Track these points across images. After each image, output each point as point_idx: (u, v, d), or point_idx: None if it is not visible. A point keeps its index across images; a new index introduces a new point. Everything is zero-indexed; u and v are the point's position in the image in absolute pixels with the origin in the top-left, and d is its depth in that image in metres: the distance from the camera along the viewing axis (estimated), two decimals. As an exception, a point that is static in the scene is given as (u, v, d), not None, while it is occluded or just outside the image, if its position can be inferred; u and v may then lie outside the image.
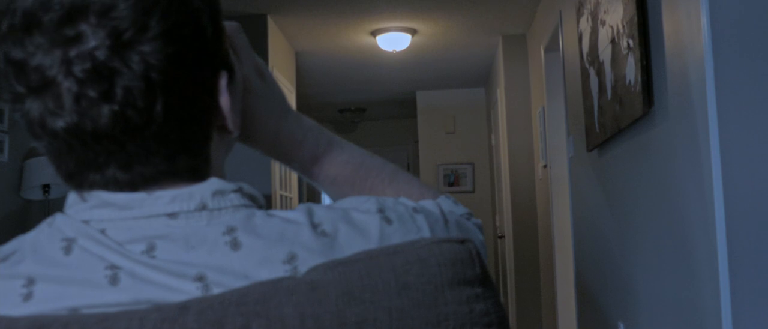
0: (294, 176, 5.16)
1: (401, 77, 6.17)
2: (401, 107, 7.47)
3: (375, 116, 8.06)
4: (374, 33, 4.76)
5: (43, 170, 3.89)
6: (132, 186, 0.55)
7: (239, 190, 0.57)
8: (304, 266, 0.52)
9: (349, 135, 8.43)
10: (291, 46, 5.08)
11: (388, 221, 0.57)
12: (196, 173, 0.57)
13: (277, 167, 4.50)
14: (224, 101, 0.58)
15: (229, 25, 0.65)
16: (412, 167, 8.23)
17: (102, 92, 0.51)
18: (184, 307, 0.46)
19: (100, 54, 0.51)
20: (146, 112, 0.52)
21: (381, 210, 0.57)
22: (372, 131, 8.39)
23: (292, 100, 5.14)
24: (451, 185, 6.66)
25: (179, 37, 0.53)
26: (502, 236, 5.65)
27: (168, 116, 0.53)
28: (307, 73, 5.76)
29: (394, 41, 4.78)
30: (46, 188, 3.88)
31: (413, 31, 4.76)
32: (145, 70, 0.52)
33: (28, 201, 3.98)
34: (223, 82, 0.58)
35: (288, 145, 0.73)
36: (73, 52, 0.51)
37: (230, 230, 0.53)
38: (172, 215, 0.54)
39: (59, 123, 0.52)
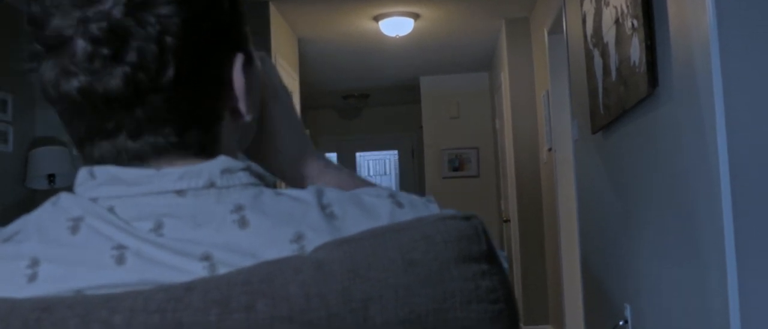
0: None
1: (404, 63, 6.15)
2: (405, 93, 7.46)
3: (379, 102, 8.04)
4: (377, 18, 4.74)
5: (48, 159, 3.90)
6: (141, 158, 0.55)
7: (247, 168, 0.57)
8: (311, 245, 0.52)
9: (353, 121, 8.43)
10: (293, 33, 5.07)
11: (400, 205, 0.57)
12: (205, 150, 0.57)
13: (281, 154, 4.49)
14: (238, 80, 0.58)
15: (258, 55, 0.67)
16: (416, 152, 8.23)
17: (115, 52, 0.52)
18: (189, 287, 0.46)
19: (117, 12, 0.52)
20: (157, 76, 0.53)
21: (392, 196, 0.58)
22: (376, 117, 8.38)
23: (295, 87, 5.13)
24: (455, 170, 6.66)
25: (195, 5, 0.55)
26: (507, 221, 5.66)
27: (179, 83, 0.54)
28: (310, 60, 5.75)
29: (396, 26, 4.76)
30: (51, 177, 3.89)
31: (416, 16, 4.74)
32: (159, 33, 0.53)
33: (33, 191, 3.99)
34: (238, 62, 0.58)
35: (312, 170, 0.72)
36: (90, 12, 0.52)
37: (238, 208, 0.53)
38: (180, 193, 0.54)
39: (73, 83, 0.53)
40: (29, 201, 3.93)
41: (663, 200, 2.00)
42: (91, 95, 0.53)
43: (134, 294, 0.47)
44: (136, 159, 0.55)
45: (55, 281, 0.51)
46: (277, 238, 0.52)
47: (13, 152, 3.91)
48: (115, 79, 0.53)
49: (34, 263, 0.52)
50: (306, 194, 0.56)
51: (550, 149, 4.25)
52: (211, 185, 0.55)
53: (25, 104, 4.08)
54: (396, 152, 8.58)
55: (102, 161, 0.56)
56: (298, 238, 0.52)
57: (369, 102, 7.98)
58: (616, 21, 2.25)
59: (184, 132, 0.56)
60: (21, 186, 3.97)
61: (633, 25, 2.06)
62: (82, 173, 0.57)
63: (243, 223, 0.52)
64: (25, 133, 4.04)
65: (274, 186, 0.59)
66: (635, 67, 2.06)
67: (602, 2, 2.45)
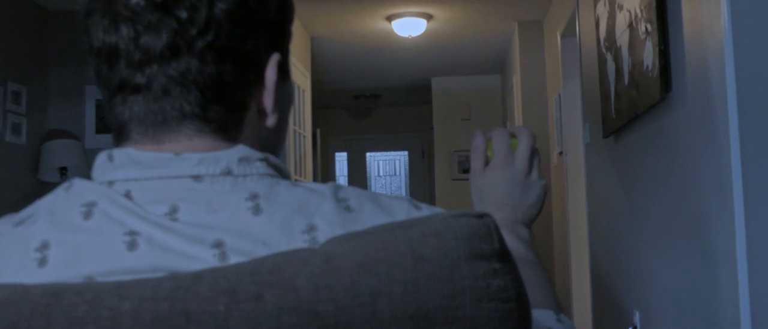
0: (309, 162, 5.17)
1: (416, 63, 6.15)
2: (416, 94, 7.45)
3: (390, 103, 8.04)
4: (390, 18, 4.74)
5: (60, 152, 3.93)
6: (165, 122, 0.56)
7: (265, 159, 0.57)
8: (323, 237, 0.52)
9: (364, 122, 8.42)
10: (306, 32, 5.07)
11: (417, 207, 0.57)
12: (227, 132, 0.58)
13: (292, 153, 4.50)
14: (270, 76, 0.59)
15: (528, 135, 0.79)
16: (426, 153, 8.22)
17: (167, 4, 0.54)
18: (198, 276, 0.46)
19: None
20: (198, 36, 0.55)
21: (410, 200, 0.58)
22: (387, 117, 8.38)
23: (307, 86, 5.14)
24: (465, 171, 6.64)
25: None
26: (516, 224, 5.63)
27: (214, 49, 0.55)
28: (322, 59, 5.75)
29: (409, 26, 4.75)
30: (63, 170, 3.91)
31: (429, 17, 4.74)
32: None
33: (45, 183, 4.01)
34: (273, 59, 0.60)
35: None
36: None
37: (253, 196, 0.54)
38: (196, 178, 0.55)
39: (121, 32, 0.55)
40: (41, 193, 3.94)
41: (674, 206, 1.99)
42: (134, 45, 0.55)
43: (143, 281, 0.47)
44: (160, 124, 0.56)
45: (65, 266, 0.51)
46: (289, 227, 0.52)
47: (26, 145, 3.94)
48: (160, 32, 0.54)
49: (45, 247, 0.52)
50: (323, 187, 0.56)
51: (560, 153, 4.23)
52: (228, 172, 0.55)
53: (38, 96, 4.10)
54: (406, 152, 8.57)
55: (129, 124, 0.57)
56: (311, 229, 0.52)
57: (380, 102, 7.97)
58: (630, 25, 2.24)
59: (208, 104, 0.57)
60: (33, 178, 4.00)
61: (646, 29, 2.05)
62: (101, 156, 0.58)
63: (257, 210, 0.53)
64: (38, 125, 4.07)
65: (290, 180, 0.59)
66: (648, 72, 2.05)
67: (616, 6, 2.44)
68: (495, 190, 0.80)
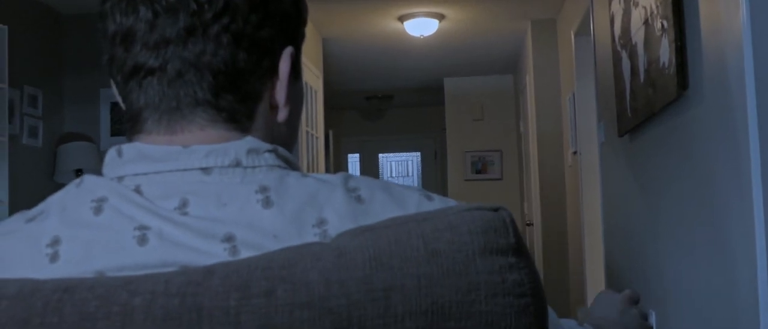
0: (322, 163, 5.17)
1: (429, 64, 6.14)
2: (429, 94, 7.44)
3: (402, 103, 8.03)
4: (402, 18, 4.73)
5: (75, 155, 3.96)
6: (177, 110, 0.56)
7: (274, 151, 0.57)
8: (334, 230, 0.52)
9: (376, 123, 8.42)
10: (318, 33, 5.08)
11: (429, 198, 0.56)
12: (238, 122, 0.58)
13: (304, 155, 4.50)
14: (283, 68, 0.59)
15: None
16: (439, 154, 8.20)
17: None
18: (209, 271, 0.46)
19: None
20: (213, 20, 0.55)
21: (421, 190, 0.58)
22: (399, 118, 8.37)
23: (319, 87, 5.14)
24: (478, 172, 6.62)
25: None
26: (530, 224, 5.61)
27: (228, 33, 0.56)
28: (334, 59, 5.75)
29: (421, 27, 4.74)
30: (78, 172, 3.94)
31: (441, 17, 4.72)
32: None
33: (61, 185, 4.04)
34: (287, 52, 0.60)
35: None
36: None
37: (263, 189, 0.54)
38: (205, 170, 0.55)
39: (139, 12, 0.55)
40: (56, 196, 3.99)
41: (691, 205, 1.97)
42: (151, 26, 0.55)
43: (155, 276, 0.46)
44: (174, 111, 0.56)
45: (76, 262, 0.51)
46: (300, 220, 0.52)
47: (42, 147, 3.98)
48: (178, 13, 0.55)
49: (55, 242, 0.52)
50: (333, 177, 0.56)
51: (575, 153, 4.21)
52: (237, 164, 0.55)
53: (54, 99, 4.14)
54: (419, 153, 8.56)
55: (144, 111, 0.57)
56: (321, 222, 0.52)
57: (392, 103, 7.97)
58: (646, 21, 2.22)
59: (220, 92, 0.57)
60: (49, 180, 4.03)
61: (663, 25, 2.03)
62: (111, 152, 0.58)
63: (267, 203, 0.53)
64: (54, 128, 4.10)
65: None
66: (664, 69, 2.02)
67: (631, 2, 2.42)
68: (602, 303, 1.00)
